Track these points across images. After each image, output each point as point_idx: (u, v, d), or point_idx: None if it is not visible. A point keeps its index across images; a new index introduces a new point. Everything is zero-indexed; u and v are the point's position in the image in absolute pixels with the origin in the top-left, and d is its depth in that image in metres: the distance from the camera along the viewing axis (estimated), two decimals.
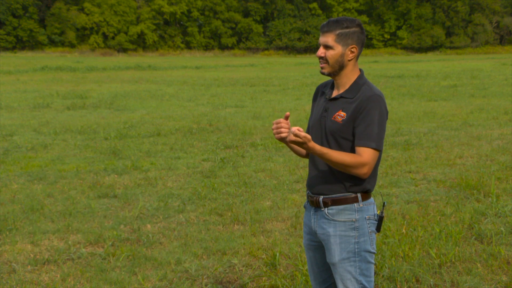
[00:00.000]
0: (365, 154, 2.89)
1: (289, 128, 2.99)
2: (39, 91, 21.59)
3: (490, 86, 22.60)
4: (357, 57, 3.02)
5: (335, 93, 3.08)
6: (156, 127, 12.69)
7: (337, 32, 2.97)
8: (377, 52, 68.61)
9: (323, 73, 3.05)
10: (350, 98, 2.99)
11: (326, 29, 2.99)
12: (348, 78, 3.04)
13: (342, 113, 2.97)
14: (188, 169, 8.68)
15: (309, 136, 2.83)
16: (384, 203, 3.16)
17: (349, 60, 3.00)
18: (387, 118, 2.99)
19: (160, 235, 5.73)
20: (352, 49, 2.99)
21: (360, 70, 3.07)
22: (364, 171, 2.90)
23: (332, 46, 2.97)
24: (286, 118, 3.00)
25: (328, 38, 2.98)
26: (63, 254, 5.23)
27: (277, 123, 2.99)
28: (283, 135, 2.98)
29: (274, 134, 3.02)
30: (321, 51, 3.01)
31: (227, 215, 6.35)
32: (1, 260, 5.14)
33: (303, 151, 3.23)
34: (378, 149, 2.91)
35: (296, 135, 2.80)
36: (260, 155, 9.68)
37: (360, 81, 3.02)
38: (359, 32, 2.99)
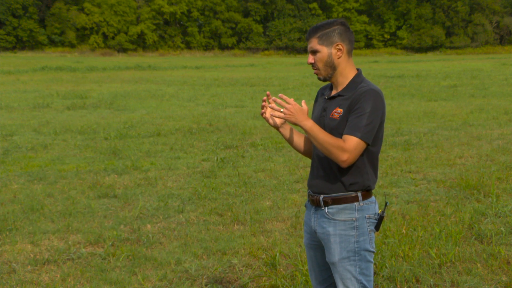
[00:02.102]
0: (348, 141, 2.90)
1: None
2: (39, 91, 21.59)
3: (490, 86, 22.59)
4: (348, 54, 3.03)
5: (333, 93, 3.10)
6: (156, 127, 12.69)
7: (318, 34, 3.02)
8: (377, 52, 68.61)
9: (320, 79, 3.08)
10: (347, 95, 3.00)
11: (309, 37, 3.06)
12: (344, 77, 3.05)
13: (339, 110, 2.99)
14: (188, 169, 8.68)
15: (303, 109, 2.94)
16: (386, 203, 3.16)
17: (339, 58, 3.02)
18: (383, 114, 2.98)
19: (160, 235, 5.73)
20: (337, 47, 3.01)
21: (358, 69, 3.08)
22: (343, 157, 2.89)
23: (317, 49, 3.02)
24: (268, 96, 3.11)
25: (312, 43, 3.04)
26: (63, 254, 5.23)
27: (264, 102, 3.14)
28: (266, 115, 3.13)
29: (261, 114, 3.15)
30: (310, 58, 3.06)
31: (227, 215, 6.35)
32: (1, 260, 5.14)
33: (301, 145, 3.24)
34: (364, 140, 2.91)
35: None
36: (260, 155, 9.68)
37: (358, 80, 3.04)
38: (341, 30, 3.02)
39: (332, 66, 3.02)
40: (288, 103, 2.90)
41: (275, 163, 9.00)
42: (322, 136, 2.90)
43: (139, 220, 6.23)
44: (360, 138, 2.89)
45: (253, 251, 5.23)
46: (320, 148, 2.93)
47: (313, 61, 3.04)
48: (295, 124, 2.93)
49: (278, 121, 3.15)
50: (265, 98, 3.11)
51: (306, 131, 2.93)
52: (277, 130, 3.19)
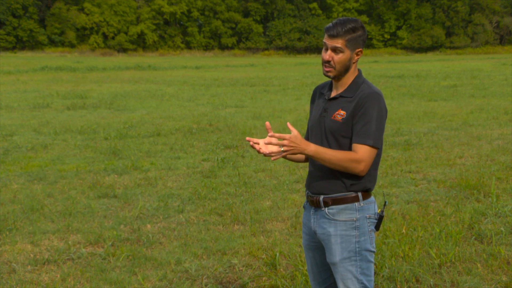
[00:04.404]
0: (361, 151, 2.88)
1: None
2: (39, 91, 21.59)
3: (490, 86, 22.60)
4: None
5: (334, 93, 3.08)
6: (156, 127, 12.69)
7: (347, 37, 2.94)
8: (377, 52, 68.64)
9: (329, 76, 3.02)
10: (349, 97, 2.99)
11: (334, 34, 2.94)
12: (347, 78, 3.04)
13: (342, 112, 2.97)
14: (188, 169, 8.68)
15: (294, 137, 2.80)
16: (385, 202, 3.16)
17: (354, 62, 3.01)
18: (386, 117, 2.99)
19: (160, 235, 5.73)
20: (358, 52, 3.00)
21: (358, 70, 3.07)
22: (360, 168, 2.89)
23: (342, 50, 2.95)
24: (268, 128, 2.93)
25: (338, 43, 2.94)
26: (63, 254, 5.23)
27: (250, 140, 2.96)
28: (262, 151, 2.92)
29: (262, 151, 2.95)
30: (329, 55, 2.97)
31: (227, 215, 6.35)
32: (1, 260, 5.14)
33: (302, 157, 3.23)
34: (376, 146, 2.90)
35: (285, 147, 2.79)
36: (260, 155, 9.68)
37: (359, 80, 3.03)
38: (364, 35, 3.00)
39: (347, 68, 2.99)
40: (283, 138, 2.78)
41: (275, 163, 9.00)
42: (331, 154, 2.86)
43: (139, 220, 6.23)
44: (373, 145, 2.88)
45: (253, 251, 5.23)
46: (333, 167, 2.90)
47: (330, 59, 2.97)
48: (299, 153, 2.85)
49: (265, 149, 2.97)
50: (249, 139, 2.97)
51: (312, 156, 2.87)
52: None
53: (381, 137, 2.93)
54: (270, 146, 2.96)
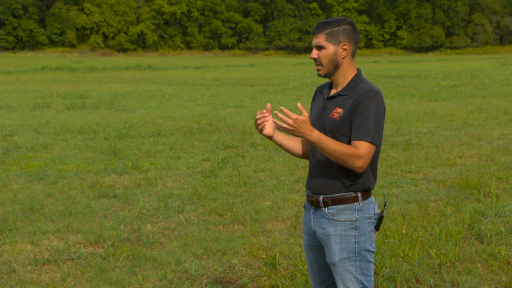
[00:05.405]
0: (361, 147, 2.88)
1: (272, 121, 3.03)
2: (39, 91, 21.59)
3: (490, 86, 22.59)
4: (352, 55, 3.03)
5: (332, 92, 3.09)
6: (156, 127, 12.69)
7: (327, 31, 2.99)
8: (377, 52, 68.59)
9: (320, 75, 3.05)
10: (347, 95, 2.99)
11: (316, 31, 3.02)
12: (344, 77, 3.04)
13: (339, 110, 2.97)
14: (188, 169, 8.68)
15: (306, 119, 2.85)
16: (385, 202, 3.16)
17: (343, 58, 3.01)
18: (384, 114, 2.99)
19: (160, 235, 5.74)
20: (344, 47, 3.00)
21: (358, 69, 3.08)
22: (359, 164, 2.89)
23: (323, 45, 2.99)
24: (268, 110, 3.00)
25: (319, 39, 3.00)
26: (63, 254, 5.23)
27: (261, 113, 3.01)
28: (266, 131, 3.02)
29: (257, 127, 3.03)
30: (314, 53, 3.03)
31: (227, 215, 6.35)
32: (1, 260, 5.14)
33: (298, 150, 3.23)
34: (374, 143, 2.90)
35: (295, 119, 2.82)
36: (260, 155, 9.68)
37: (358, 79, 3.03)
38: (350, 30, 3.01)
39: (335, 65, 3.01)
40: (289, 116, 2.82)
41: (275, 163, 9.00)
42: (333, 145, 2.86)
43: (139, 220, 6.23)
44: (371, 142, 2.88)
45: (253, 251, 5.23)
46: (332, 158, 2.90)
47: (316, 56, 3.01)
48: (300, 137, 2.89)
49: (270, 130, 3.07)
50: (259, 114, 3.03)
51: (314, 143, 2.87)
52: (271, 140, 3.14)
53: (379, 134, 2.93)
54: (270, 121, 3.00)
